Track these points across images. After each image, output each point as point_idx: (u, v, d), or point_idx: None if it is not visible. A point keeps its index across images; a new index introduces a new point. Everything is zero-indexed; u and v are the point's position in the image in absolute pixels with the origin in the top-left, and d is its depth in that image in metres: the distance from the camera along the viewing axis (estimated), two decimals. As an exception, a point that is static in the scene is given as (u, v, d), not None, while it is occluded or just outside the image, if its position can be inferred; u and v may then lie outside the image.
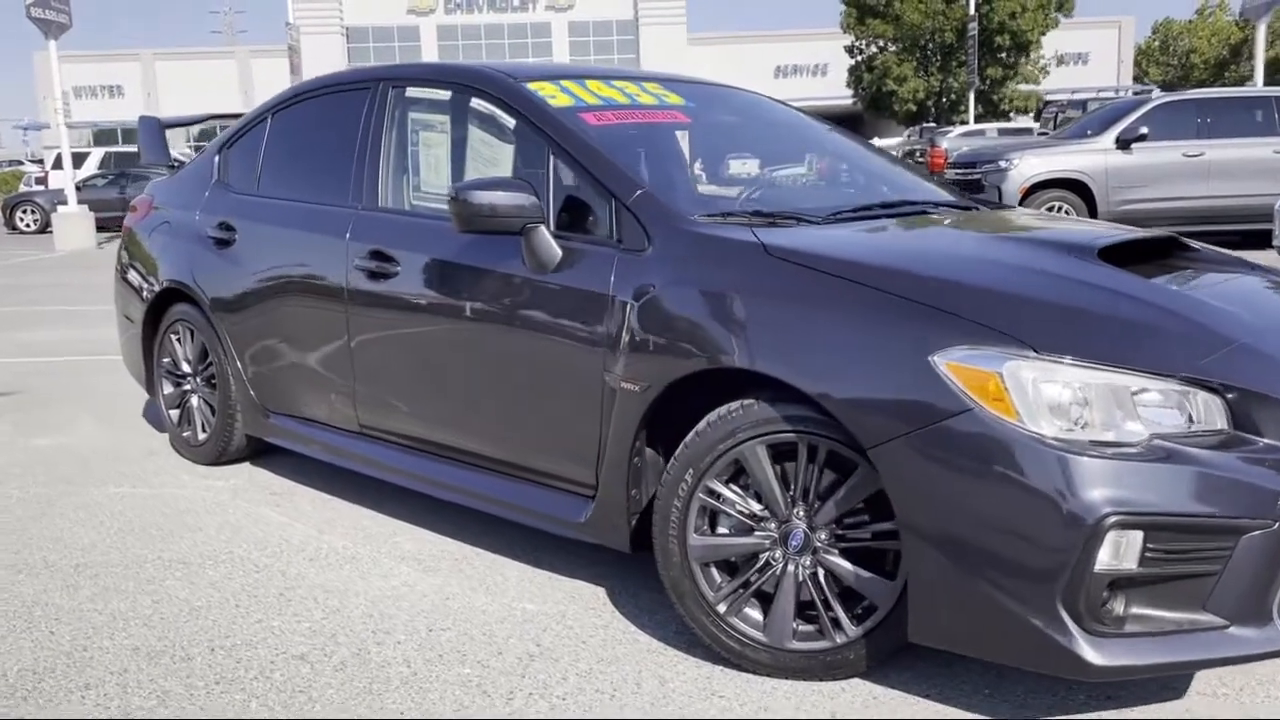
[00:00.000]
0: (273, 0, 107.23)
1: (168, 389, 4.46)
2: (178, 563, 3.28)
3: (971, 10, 29.01)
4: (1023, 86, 32.87)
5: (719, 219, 2.80)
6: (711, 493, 2.49)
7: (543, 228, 2.87)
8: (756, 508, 2.47)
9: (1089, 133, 12.62)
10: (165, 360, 4.43)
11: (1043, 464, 2.04)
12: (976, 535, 2.12)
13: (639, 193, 2.81)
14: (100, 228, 17.56)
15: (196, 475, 4.19)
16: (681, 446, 2.52)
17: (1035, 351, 2.13)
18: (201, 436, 4.31)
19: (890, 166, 3.81)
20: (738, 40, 46.82)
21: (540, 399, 2.95)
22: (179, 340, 4.35)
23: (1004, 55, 31.95)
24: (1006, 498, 2.08)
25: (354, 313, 3.48)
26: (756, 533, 2.47)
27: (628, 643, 2.71)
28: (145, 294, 4.44)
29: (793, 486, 2.42)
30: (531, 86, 3.25)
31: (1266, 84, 21.41)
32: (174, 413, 4.45)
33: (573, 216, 2.99)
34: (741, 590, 2.49)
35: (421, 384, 3.31)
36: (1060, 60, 35.69)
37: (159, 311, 4.44)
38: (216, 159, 4.33)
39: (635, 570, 3.11)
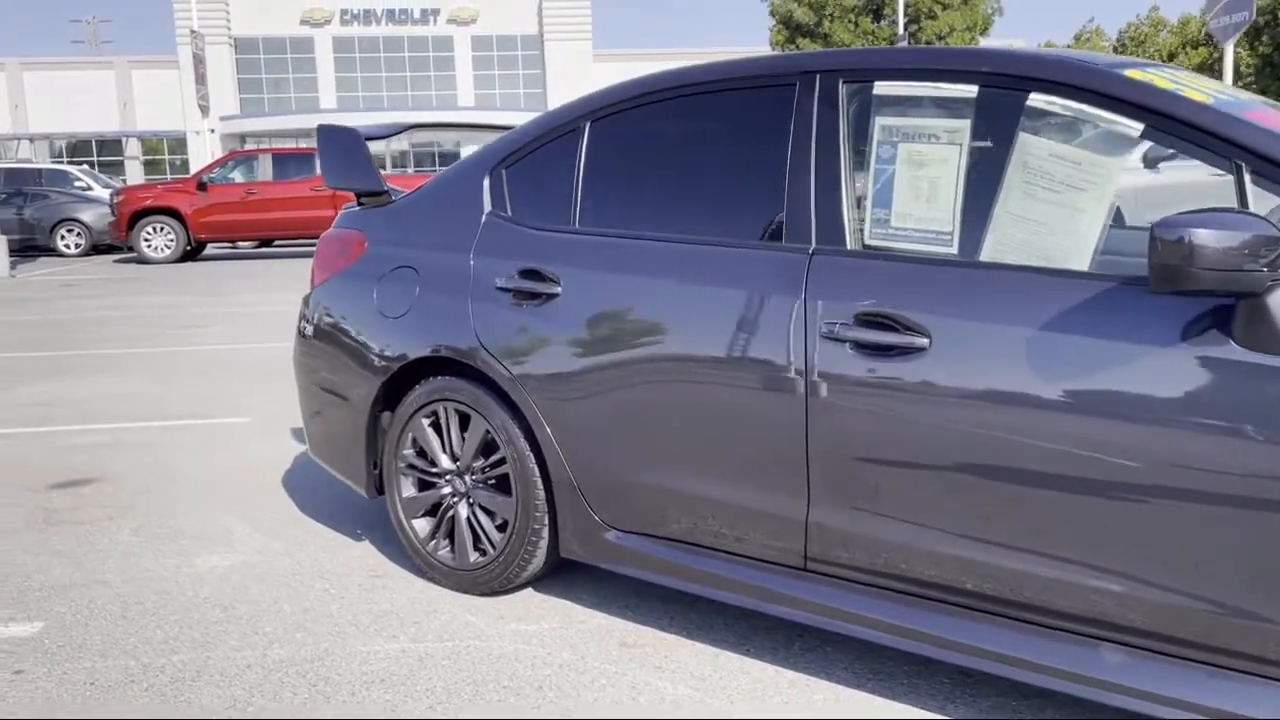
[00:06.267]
0: (142, 9, 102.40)
1: (410, 490, 3.30)
2: (634, 791, 2.18)
3: (901, 29, 29.03)
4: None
5: None
6: None
7: None
8: None
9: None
10: (408, 452, 3.27)
11: None
12: None
13: None
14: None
15: (487, 615, 3.05)
16: None
17: None
18: (474, 558, 3.16)
19: None
20: (647, 57, 45.88)
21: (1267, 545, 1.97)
22: (437, 426, 3.20)
23: (930, 75, 32.08)
24: None
25: (823, 403, 2.44)
26: None
27: None
28: (377, 364, 3.28)
29: None
30: (1135, 76, 2.29)
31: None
32: (421, 523, 3.29)
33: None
34: None
35: (981, 516, 2.28)
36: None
37: (401, 387, 3.28)
38: (486, 182, 3.21)
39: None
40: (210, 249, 19.37)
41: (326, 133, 3.55)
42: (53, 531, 3.81)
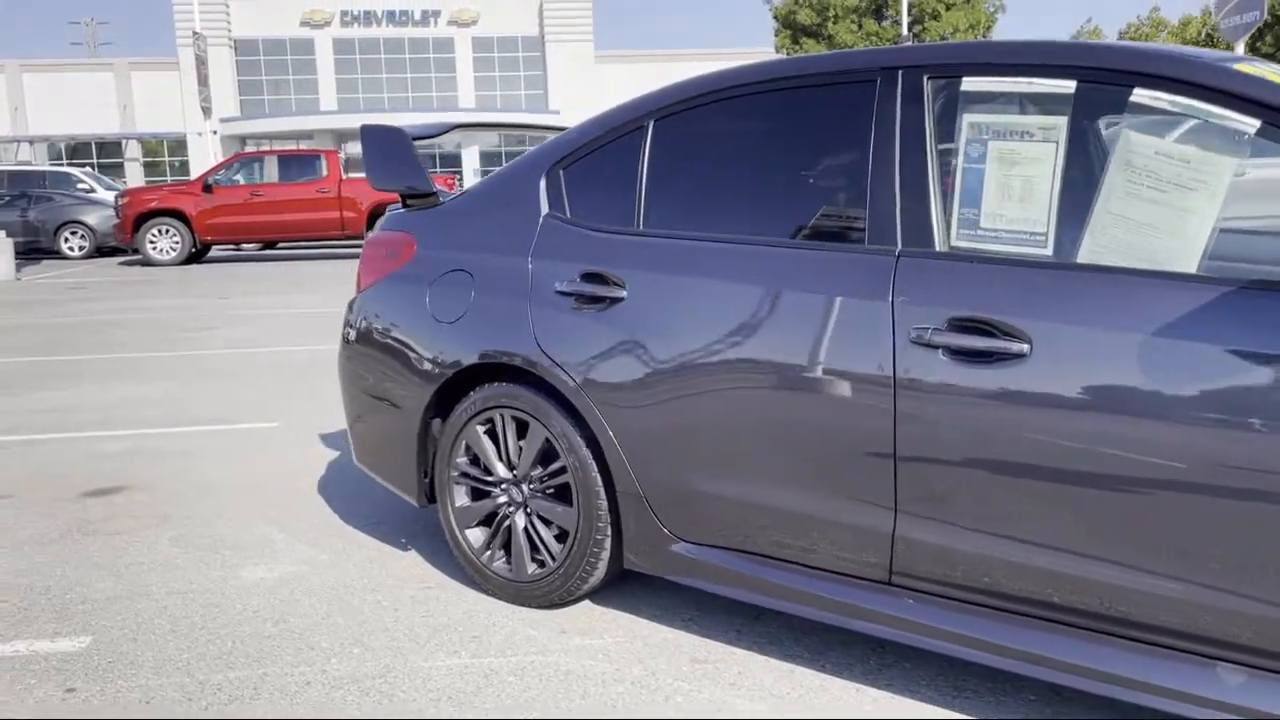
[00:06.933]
0: (140, 10, 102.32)
1: (462, 500, 3.21)
2: (729, 817, 2.09)
3: (905, 30, 28.97)
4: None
5: None
6: None
7: None
8: None
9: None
10: (461, 460, 3.18)
11: None
12: None
13: None
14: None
15: (548, 629, 2.96)
16: None
17: None
18: (532, 569, 3.07)
19: None
20: (649, 59, 45.88)
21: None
22: (492, 434, 3.11)
23: (933, 76, 32.06)
24: None
25: (912, 412, 2.35)
26: None
27: None
28: (429, 370, 3.18)
29: None
30: (1248, 70, 2.20)
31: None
32: (475, 533, 3.20)
33: None
34: None
35: (1082, 529, 2.19)
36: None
37: (454, 393, 3.19)
38: (543, 183, 3.11)
39: None
40: (214, 251, 19.26)
41: (372, 133, 3.45)
42: (90, 542, 3.71)
